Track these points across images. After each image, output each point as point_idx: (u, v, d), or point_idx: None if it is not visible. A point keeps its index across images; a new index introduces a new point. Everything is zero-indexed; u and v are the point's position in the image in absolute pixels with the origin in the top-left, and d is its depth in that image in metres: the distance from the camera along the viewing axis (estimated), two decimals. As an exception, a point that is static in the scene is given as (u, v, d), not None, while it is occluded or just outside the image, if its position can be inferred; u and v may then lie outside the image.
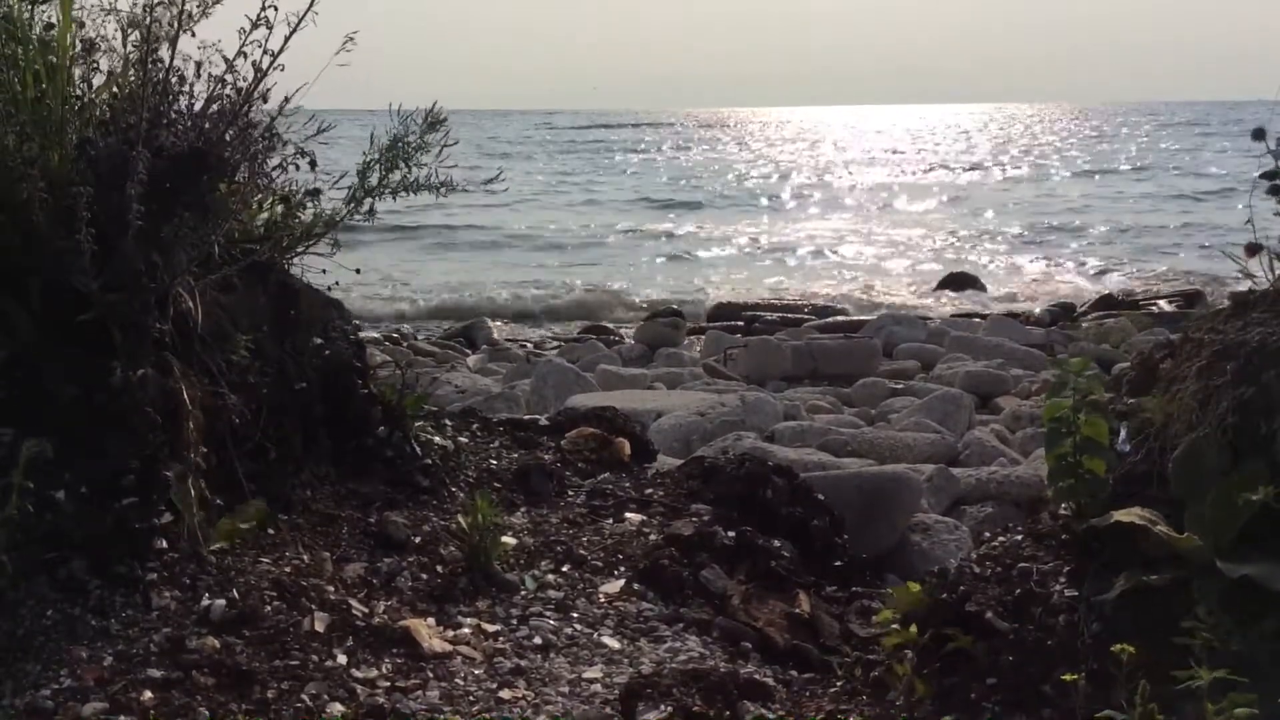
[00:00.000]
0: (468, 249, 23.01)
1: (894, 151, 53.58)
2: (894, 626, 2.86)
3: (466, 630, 2.94)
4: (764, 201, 32.99)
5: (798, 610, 3.32)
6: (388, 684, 2.63)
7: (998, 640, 2.63)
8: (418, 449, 3.74)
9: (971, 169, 42.83)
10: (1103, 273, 19.46)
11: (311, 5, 3.11)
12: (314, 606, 2.81)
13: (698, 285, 18.57)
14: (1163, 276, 18.47)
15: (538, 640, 2.95)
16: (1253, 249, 2.84)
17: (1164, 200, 30.60)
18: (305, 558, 3.05)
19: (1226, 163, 39.58)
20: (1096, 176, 39.11)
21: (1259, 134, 2.83)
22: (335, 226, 3.47)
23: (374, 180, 3.37)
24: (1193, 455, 2.57)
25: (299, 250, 3.51)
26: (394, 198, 3.41)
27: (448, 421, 4.24)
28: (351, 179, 3.43)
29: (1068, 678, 2.33)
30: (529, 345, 12.99)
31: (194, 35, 3.12)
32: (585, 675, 2.81)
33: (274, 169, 3.31)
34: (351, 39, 3.14)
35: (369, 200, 3.39)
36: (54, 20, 3.07)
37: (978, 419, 7.70)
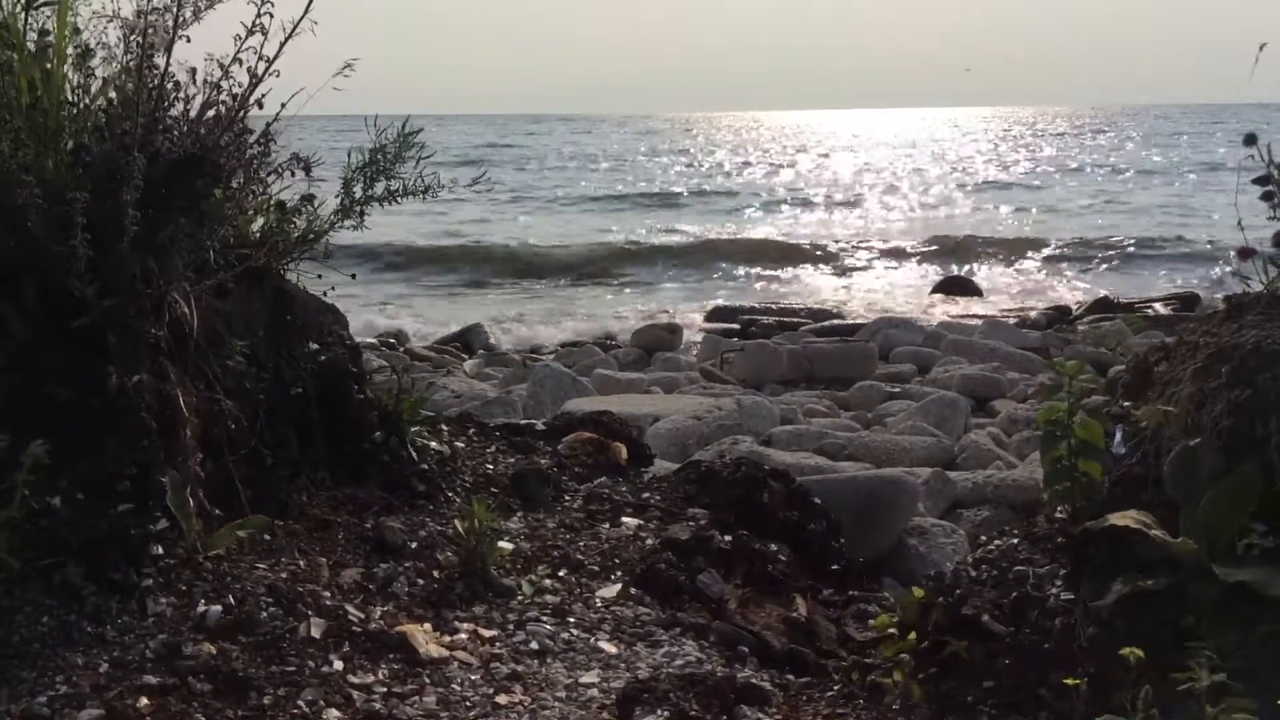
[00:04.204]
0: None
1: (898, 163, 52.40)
2: (891, 631, 2.86)
3: (463, 635, 2.94)
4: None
5: (794, 614, 3.32)
6: (384, 689, 2.63)
7: (994, 644, 2.64)
8: (414, 454, 3.73)
9: (968, 177, 42.48)
10: (1100, 274, 19.49)
11: (306, 12, 3.11)
12: (310, 612, 2.81)
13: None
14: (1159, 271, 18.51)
15: (534, 645, 2.95)
16: (1246, 253, 2.86)
17: (1167, 201, 30.51)
18: (301, 563, 3.05)
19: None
20: (1097, 178, 39.11)
21: (1250, 139, 2.84)
22: (326, 235, 3.49)
23: (358, 193, 3.41)
24: (1188, 458, 2.58)
25: (294, 256, 3.52)
26: (381, 206, 3.45)
27: (444, 426, 4.23)
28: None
29: (1067, 681, 2.33)
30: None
31: (190, 41, 3.12)
32: (582, 680, 2.81)
33: (269, 175, 3.32)
34: (350, 65, 3.16)
35: (357, 208, 3.43)
36: (49, 27, 3.07)
37: (974, 422, 7.71)
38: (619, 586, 3.32)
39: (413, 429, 3.80)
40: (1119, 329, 12.01)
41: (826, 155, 59.15)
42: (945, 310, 15.95)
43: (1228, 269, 14.66)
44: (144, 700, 2.38)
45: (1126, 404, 2.95)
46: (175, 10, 3.08)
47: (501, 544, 3.37)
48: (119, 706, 2.35)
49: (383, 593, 3.06)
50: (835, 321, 13.86)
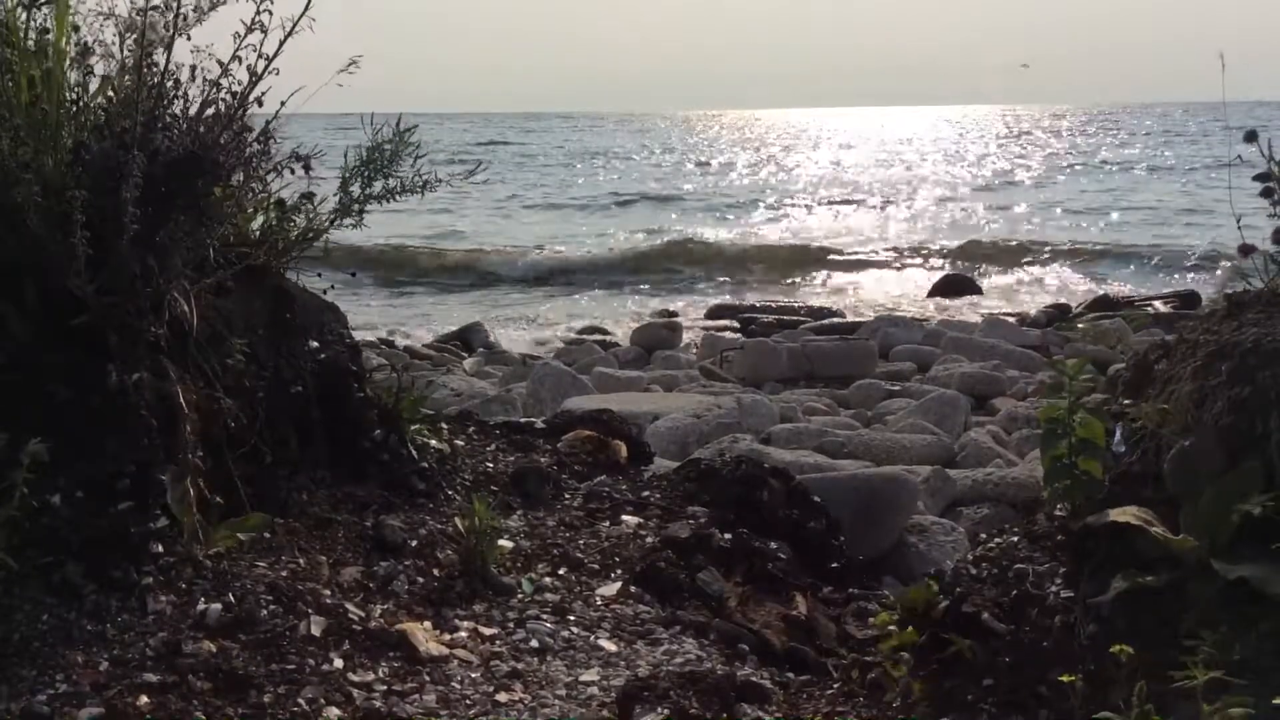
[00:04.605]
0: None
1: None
2: (891, 628, 2.86)
3: (463, 634, 2.94)
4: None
5: (794, 612, 3.32)
6: (384, 687, 2.63)
7: (994, 641, 2.64)
8: (414, 452, 3.73)
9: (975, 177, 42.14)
10: (1101, 272, 19.48)
11: (306, 9, 3.11)
12: (310, 610, 2.81)
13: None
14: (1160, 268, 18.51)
15: (534, 643, 2.95)
16: (1246, 250, 2.85)
17: (1168, 199, 30.40)
18: (301, 561, 3.05)
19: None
20: (1098, 177, 39.00)
21: (1251, 136, 2.83)
22: (325, 233, 3.49)
23: (356, 191, 3.42)
24: (1188, 455, 2.58)
25: (294, 254, 3.52)
26: (380, 204, 3.45)
27: (444, 424, 4.23)
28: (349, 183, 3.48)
29: (1065, 679, 2.33)
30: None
31: (190, 39, 3.12)
32: (582, 678, 2.81)
33: (269, 173, 3.32)
34: (355, 62, 3.17)
35: (356, 207, 3.44)
36: (49, 25, 3.07)
37: (974, 420, 7.71)
38: (619, 584, 3.32)
39: (412, 427, 3.80)
40: (1119, 327, 12.01)
41: (838, 151, 58.98)
42: (945, 308, 15.94)
43: (1228, 266, 14.64)
44: (144, 698, 2.38)
45: (1127, 402, 2.95)
46: (175, 7, 3.08)
47: (501, 542, 3.37)
48: (119, 705, 2.35)
49: (383, 591, 3.06)
50: (835, 320, 13.84)
